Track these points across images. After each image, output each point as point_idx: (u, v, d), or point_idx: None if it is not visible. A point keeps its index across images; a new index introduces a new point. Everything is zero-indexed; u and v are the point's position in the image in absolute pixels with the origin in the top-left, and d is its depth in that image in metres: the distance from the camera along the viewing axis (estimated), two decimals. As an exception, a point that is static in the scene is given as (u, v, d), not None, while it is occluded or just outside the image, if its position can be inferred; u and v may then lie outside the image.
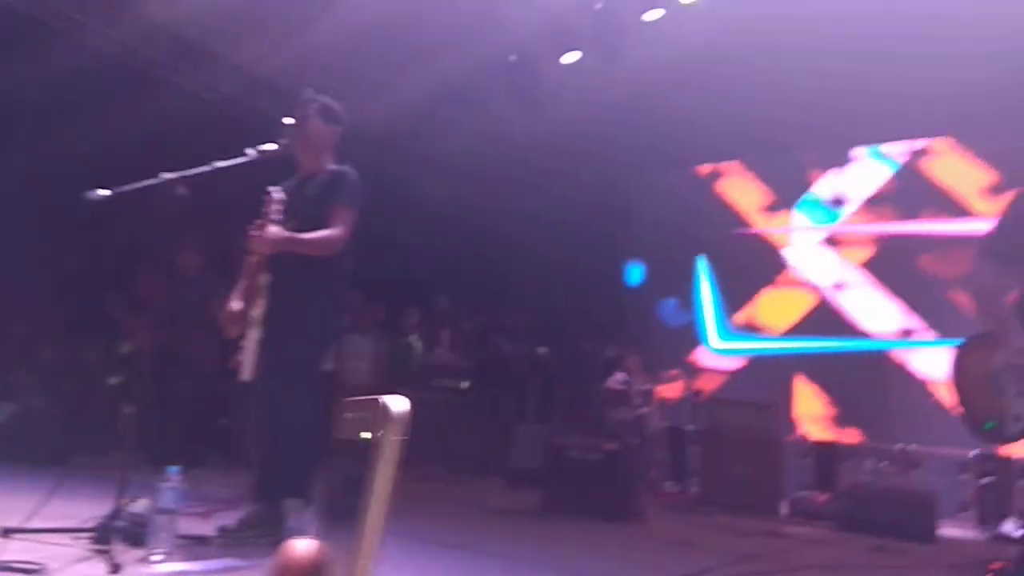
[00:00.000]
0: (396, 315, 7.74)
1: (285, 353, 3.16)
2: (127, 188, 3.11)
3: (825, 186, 8.57)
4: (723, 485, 6.40)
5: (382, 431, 0.46)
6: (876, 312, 7.99)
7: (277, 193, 3.26)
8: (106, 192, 3.03)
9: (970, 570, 4.33)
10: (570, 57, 7.63)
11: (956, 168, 7.93)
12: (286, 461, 3.22)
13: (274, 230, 3.15)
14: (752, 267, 8.69)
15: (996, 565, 4.16)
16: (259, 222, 3.19)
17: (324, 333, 3.35)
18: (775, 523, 5.79)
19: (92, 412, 6.27)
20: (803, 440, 7.24)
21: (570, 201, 8.42)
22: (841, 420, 7.62)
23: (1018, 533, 5.41)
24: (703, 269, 8.98)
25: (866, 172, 8.40)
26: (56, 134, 6.87)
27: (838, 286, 8.25)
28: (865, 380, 7.74)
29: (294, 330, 3.18)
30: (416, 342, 7.69)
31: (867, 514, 5.58)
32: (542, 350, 7.00)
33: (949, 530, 5.94)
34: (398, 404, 0.50)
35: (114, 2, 7.10)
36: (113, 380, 6.63)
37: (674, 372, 7.24)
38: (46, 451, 5.12)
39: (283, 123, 3.53)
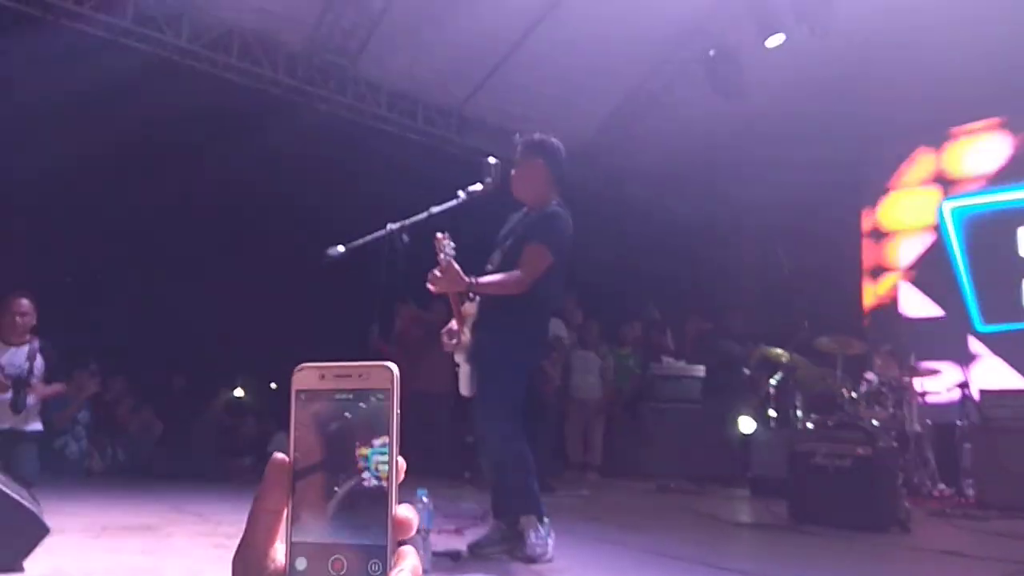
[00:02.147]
0: (615, 329, 7.80)
1: (483, 382, 3.40)
2: (359, 243, 3.47)
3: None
4: (1002, 485, 5.61)
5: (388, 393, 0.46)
6: None
7: (444, 236, 3.31)
8: (341, 249, 3.40)
9: None
10: (775, 40, 7.22)
11: None
12: (505, 481, 3.42)
13: (451, 273, 3.23)
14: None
15: None
16: (439, 264, 3.29)
17: (516, 365, 3.47)
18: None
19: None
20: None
21: (788, 189, 7.93)
22: None
23: None
24: (958, 245, 7.96)
25: None
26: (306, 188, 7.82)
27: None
28: None
29: (489, 360, 3.40)
30: (630, 355, 7.72)
31: None
32: (775, 350, 6.61)
33: None
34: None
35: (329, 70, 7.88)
36: None
37: (927, 366, 6.49)
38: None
39: (485, 162, 3.70)
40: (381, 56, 7.93)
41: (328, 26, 7.45)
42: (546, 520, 3.40)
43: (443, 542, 3.66)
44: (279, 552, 0.53)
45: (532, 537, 3.34)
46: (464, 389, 3.51)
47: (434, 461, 6.98)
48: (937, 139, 8.25)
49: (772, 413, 6.62)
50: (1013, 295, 7.59)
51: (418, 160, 8.19)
